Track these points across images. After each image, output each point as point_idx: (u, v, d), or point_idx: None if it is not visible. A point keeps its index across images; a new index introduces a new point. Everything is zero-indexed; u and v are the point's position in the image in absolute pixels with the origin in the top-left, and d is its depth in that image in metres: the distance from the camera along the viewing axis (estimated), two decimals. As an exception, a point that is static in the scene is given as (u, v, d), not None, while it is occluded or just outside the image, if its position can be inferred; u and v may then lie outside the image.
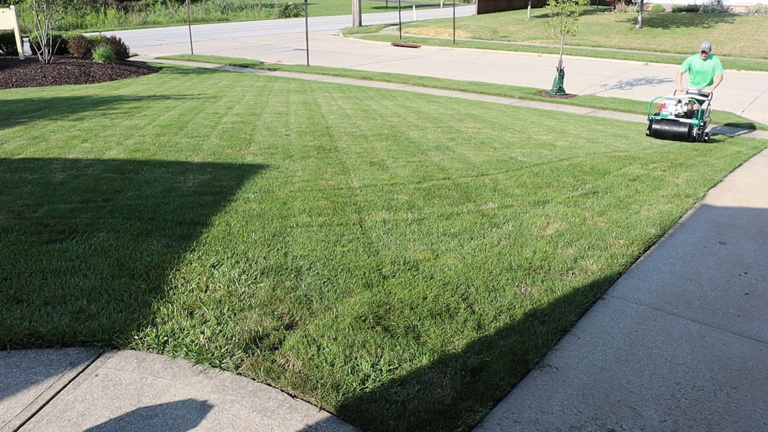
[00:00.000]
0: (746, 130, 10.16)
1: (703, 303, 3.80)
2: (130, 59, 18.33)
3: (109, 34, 18.02)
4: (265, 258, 4.06)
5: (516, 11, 36.21)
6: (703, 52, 9.57)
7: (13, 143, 7.29)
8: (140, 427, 2.54)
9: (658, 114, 9.42)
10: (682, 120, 9.08)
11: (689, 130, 8.98)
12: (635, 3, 32.33)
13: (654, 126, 9.27)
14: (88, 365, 2.94)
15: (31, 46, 16.08)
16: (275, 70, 17.40)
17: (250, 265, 3.95)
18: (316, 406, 2.69)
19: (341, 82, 15.16)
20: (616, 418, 2.70)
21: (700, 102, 9.65)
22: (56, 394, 2.74)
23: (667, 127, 9.16)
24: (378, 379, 2.85)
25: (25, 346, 3.06)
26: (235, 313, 3.36)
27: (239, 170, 6.22)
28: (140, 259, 3.96)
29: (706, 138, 9.24)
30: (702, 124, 9.12)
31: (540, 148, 7.86)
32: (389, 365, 2.95)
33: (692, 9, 30.76)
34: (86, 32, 22.45)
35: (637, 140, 8.80)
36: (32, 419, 2.59)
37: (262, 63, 18.56)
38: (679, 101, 9.23)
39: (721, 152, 8.02)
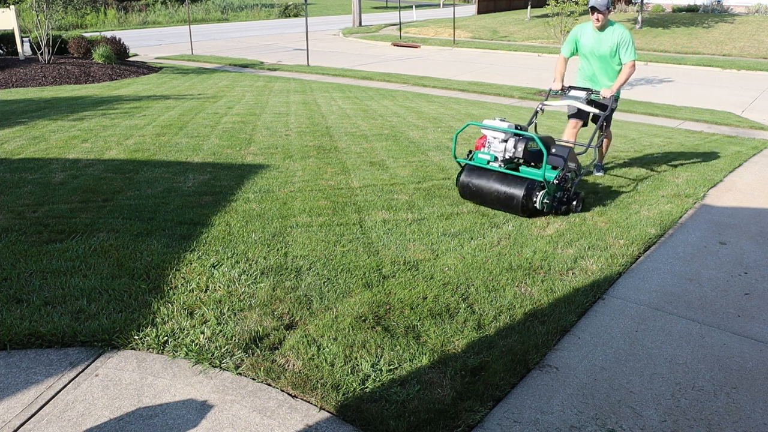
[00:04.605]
0: (746, 130, 10.16)
1: (703, 303, 3.80)
2: (130, 59, 18.32)
3: (109, 34, 18.02)
4: (265, 258, 4.07)
5: (516, 11, 36.20)
6: (593, 10, 5.54)
7: (13, 143, 7.28)
8: (140, 427, 2.54)
9: (471, 155, 5.20)
10: (516, 175, 4.91)
11: (527, 193, 4.79)
12: (635, 3, 32.34)
13: (463, 179, 5.10)
14: (88, 365, 2.94)
15: (31, 46, 16.07)
16: (275, 70, 17.40)
17: (250, 265, 3.95)
18: (316, 406, 2.69)
19: (341, 82, 15.15)
20: (616, 418, 2.70)
21: (595, 119, 5.85)
22: (56, 394, 2.74)
23: (484, 183, 4.96)
24: (378, 379, 2.85)
25: (25, 346, 3.06)
26: (235, 313, 3.36)
27: (239, 170, 6.22)
28: (140, 259, 3.96)
29: (572, 204, 5.10)
30: (566, 173, 5.00)
31: (540, 148, 7.85)
32: (389, 365, 2.95)
33: (692, 9, 30.76)
34: (86, 32, 22.44)
35: (637, 140, 8.80)
36: (32, 419, 2.59)
37: (262, 63, 18.56)
38: (516, 135, 4.97)
39: (721, 152, 8.02)
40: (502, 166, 5.04)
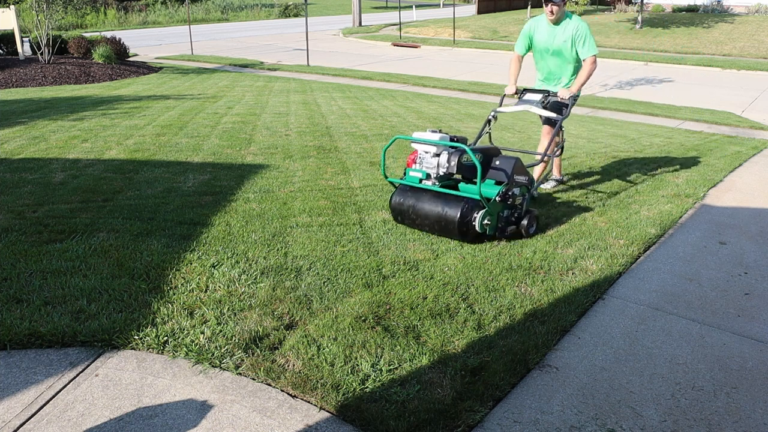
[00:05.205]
0: (746, 130, 10.16)
1: (703, 303, 3.80)
2: (130, 59, 18.32)
3: (109, 34, 18.03)
4: (265, 258, 4.07)
5: (516, 11, 36.21)
6: (546, 2, 5.03)
7: (13, 143, 7.28)
8: (140, 427, 2.54)
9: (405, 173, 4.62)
10: (452, 194, 4.32)
11: (465, 215, 4.21)
12: (635, 3, 32.35)
13: (394, 200, 4.56)
14: (88, 365, 2.94)
15: (31, 46, 16.07)
16: (275, 70, 17.40)
17: (250, 265, 3.95)
18: (316, 406, 2.69)
19: (341, 82, 15.15)
20: (616, 418, 2.70)
21: (552, 122, 5.34)
22: (56, 394, 2.74)
23: (417, 205, 4.41)
24: (378, 379, 2.85)
25: (25, 346, 3.06)
26: (235, 313, 3.36)
27: (239, 170, 6.22)
28: (140, 259, 3.96)
29: (522, 223, 4.50)
30: (511, 189, 4.36)
31: (540, 148, 7.85)
32: (389, 365, 2.95)
33: (692, 9, 30.78)
34: (86, 32, 22.45)
35: (637, 140, 8.81)
36: (32, 419, 2.59)
37: (262, 63, 18.56)
38: (449, 149, 4.41)
39: (721, 152, 8.02)
40: (437, 183, 4.44)
